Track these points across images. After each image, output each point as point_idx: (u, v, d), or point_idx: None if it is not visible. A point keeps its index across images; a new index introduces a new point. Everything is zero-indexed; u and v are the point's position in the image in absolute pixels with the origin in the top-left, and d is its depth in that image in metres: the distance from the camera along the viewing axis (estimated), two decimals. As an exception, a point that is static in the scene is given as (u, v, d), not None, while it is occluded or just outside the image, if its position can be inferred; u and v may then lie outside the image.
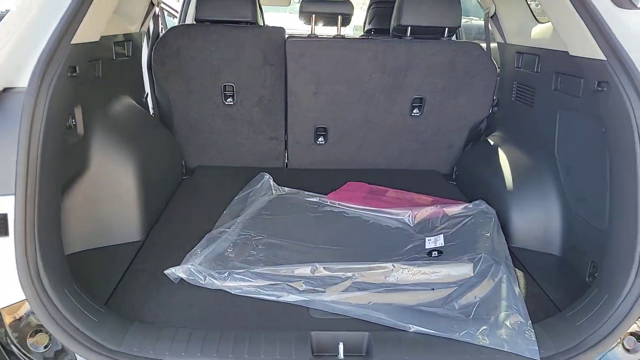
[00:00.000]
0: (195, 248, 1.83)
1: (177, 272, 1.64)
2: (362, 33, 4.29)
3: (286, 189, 2.48)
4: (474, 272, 1.67)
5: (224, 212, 2.18)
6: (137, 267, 1.78)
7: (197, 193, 2.48)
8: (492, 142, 2.61)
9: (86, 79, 1.86)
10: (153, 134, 2.39)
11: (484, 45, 2.68)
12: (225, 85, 2.64)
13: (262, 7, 4.02)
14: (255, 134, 2.79)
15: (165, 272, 1.66)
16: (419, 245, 1.90)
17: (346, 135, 2.78)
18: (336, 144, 2.82)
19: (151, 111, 2.81)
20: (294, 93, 2.62)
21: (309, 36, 2.58)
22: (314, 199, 2.30)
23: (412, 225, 2.08)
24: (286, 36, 2.58)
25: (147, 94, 2.71)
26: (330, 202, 2.27)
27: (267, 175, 2.46)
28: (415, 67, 2.54)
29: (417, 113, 2.70)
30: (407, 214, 2.12)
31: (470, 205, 2.13)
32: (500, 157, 2.38)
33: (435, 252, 1.82)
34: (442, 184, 2.74)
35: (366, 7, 4.29)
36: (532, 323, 1.46)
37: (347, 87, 2.60)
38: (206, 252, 1.79)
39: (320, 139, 2.80)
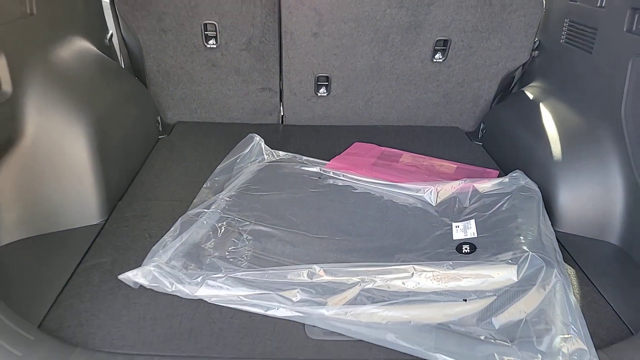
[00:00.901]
0: (164, 237, 1.46)
1: (135, 277, 1.27)
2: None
3: (281, 153, 2.07)
4: (518, 277, 1.29)
5: (204, 185, 1.79)
6: (91, 262, 1.41)
7: (174, 157, 2.07)
8: (530, 96, 2.15)
9: (9, 17, 1.40)
10: (116, 85, 1.94)
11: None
12: (205, 24, 2.15)
13: None
14: (245, 83, 2.34)
15: (120, 277, 1.29)
16: (444, 235, 1.51)
17: (353, 86, 2.32)
18: (341, 96, 2.36)
19: (119, 55, 2.34)
20: (290, 33, 2.13)
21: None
22: (313, 169, 1.89)
23: (434, 205, 1.68)
24: None
25: (111, 34, 2.23)
26: (333, 173, 1.86)
27: (257, 137, 2.03)
28: (441, 0, 2.04)
29: (439, 58, 2.23)
30: (429, 190, 1.71)
31: (506, 179, 1.72)
32: (542, 116, 1.94)
33: (467, 247, 1.43)
34: (466, 144, 2.32)
35: None
36: (596, 351, 1.11)
37: (355, 26, 2.11)
38: (177, 244, 1.41)
39: (322, 90, 2.34)
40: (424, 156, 2.13)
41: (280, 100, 2.42)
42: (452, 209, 1.64)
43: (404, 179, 1.87)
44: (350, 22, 2.09)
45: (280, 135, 2.35)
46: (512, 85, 2.42)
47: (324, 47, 2.18)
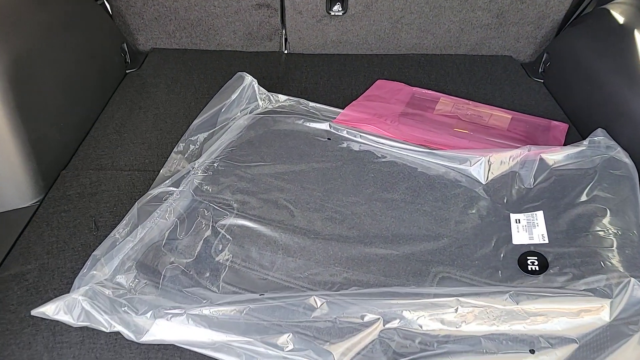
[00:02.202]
0: (113, 232, 1.07)
1: (56, 313, 0.89)
2: None
3: (280, 97, 1.58)
4: (611, 317, 0.88)
5: (175, 148, 1.35)
6: (9, 271, 1.03)
7: (143, 102, 1.61)
8: (619, 17, 1.57)
9: None
10: (51, 5, 1.43)
11: None
12: None
13: None
14: (235, -1, 1.79)
15: (34, 313, 0.91)
16: (499, 236, 1.07)
17: (378, 2, 1.76)
18: (361, 16, 1.81)
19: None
20: None
21: None
22: (322, 125, 1.41)
23: (483, 183, 1.22)
24: None
25: None
26: (347, 132, 1.39)
27: (248, 78, 1.54)
28: None
29: (496, -37, 1.63)
30: (477, 161, 1.24)
31: (585, 147, 1.23)
32: (639, 47, 1.39)
33: (534, 262, 1.00)
34: (522, 80, 1.78)
35: None
36: None
37: None
38: (128, 245, 1.02)
39: (335, 8, 1.78)
40: (467, 101, 1.63)
41: (282, 20, 1.87)
42: (510, 191, 1.18)
43: (441, 140, 1.40)
44: None
45: (282, 68, 1.84)
46: (587, 2, 1.82)
47: (339, -52, 1.59)
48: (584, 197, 1.09)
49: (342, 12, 1.79)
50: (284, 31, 1.91)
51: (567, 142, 1.46)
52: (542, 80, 1.79)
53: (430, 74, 1.82)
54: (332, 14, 1.79)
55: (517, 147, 1.34)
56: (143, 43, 1.92)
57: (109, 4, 1.82)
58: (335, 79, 1.78)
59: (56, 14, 1.41)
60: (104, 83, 1.60)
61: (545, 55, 1.80)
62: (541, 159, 1.21)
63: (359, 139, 1.35)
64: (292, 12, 1.80)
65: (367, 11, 1.79)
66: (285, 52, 1.96)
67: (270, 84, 1.73)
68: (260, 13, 1.83)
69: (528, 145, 1.24)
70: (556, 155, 1.21)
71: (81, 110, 1.43)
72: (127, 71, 1.78)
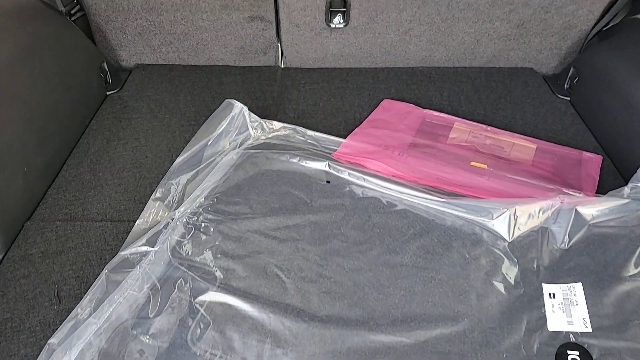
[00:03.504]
0: (76, 308, 0.91)
1: None
2: None
3: (275, 124, 1.41)
4: None
5: (152, 195, 1.19)
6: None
7: (122, 131, 1.44)
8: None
9: None
10: (12, 28, 1.25)
11: None
12: None
13: None
14: (225, 10, 1.61)
15: None
16: (530, 317, 0.90)
17: (383, 13, 1.57)
18: (364, 28, 1.62)
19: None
20: None
21: None
22: (320, 165, 1.23)
23: (508, 240, 1.04)
24: None
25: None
26: (349, 174, 1.21)
27: (238, 105, 1.37)
28: None
29: (518, -30, 1.43)
30: (501, 214, 1.06)
31: (628, 194, 1.06)
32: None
33: (575, 359, 0.83)
34: (546, 98, 1.60)
35: None
36: None
37: None
38: (92, 328, 0.87)
39: (336, 19, 1.60)
40: (484, 126, 1.45)
41: (278, 33, 1.69)
42: (540, 252, 1.01)
43: (456, 178, 1.22)
44: None
45: (277, 85, 1.67)
46: (616, 11, 1.61)
47: (339, -44, 1.40)
48: (632, 269, 0.92)
49: (344, 24, 1.60)
50: (279, 44, 1.73)
51: (601, 176, 1.28)
52: (569, 98, 1.60)
53: (442, 90, 1.64)
54: (333, 26, 1.61)
55: (545, 189, 1.18)
56: (126, 59, 1.75)
57: (88, 18, 1.65)
58: (336, 98, 1.61)
59: (22, 38, 1.24)
60: (79, 112, 1.44)
61: (572, 70, 1.60)
62: (577, 212, 1.03)
63: (363, 183, 1.18)
64: (289, 25, 1.62)
65: (372, 23, 1.60)
66: (282, 66, 1.78)
67: (265, 106, 1.57)
68: (254, 26, 1.65)
69: (560, 195, 1.06)
70: (594, 208, 1.03)
71: (51, 149, 1.27)
72: (107, 93, 1.62)
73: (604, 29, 1.65)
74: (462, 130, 1.43)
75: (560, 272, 0.95)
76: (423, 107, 1.54)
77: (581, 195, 1.15)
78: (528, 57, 1.70)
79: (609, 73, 1.43)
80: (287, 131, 1.40)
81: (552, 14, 1.55)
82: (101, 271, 0.99)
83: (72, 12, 1.66)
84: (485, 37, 1.63)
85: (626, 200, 1.03)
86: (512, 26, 1.60)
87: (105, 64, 1.61)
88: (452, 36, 1.64)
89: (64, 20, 1.49)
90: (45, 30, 1.36)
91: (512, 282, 0.95)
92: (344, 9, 1.57)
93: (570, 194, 1.14)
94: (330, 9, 1.57)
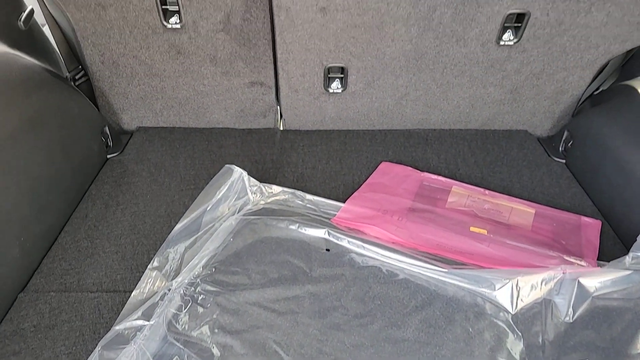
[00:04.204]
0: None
1: None
2: None
3: (274, 188, 1.42)
4: None
5: (150, 265, 1.17)
6: None
7: (122, 196, 1.45)
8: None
9: None
10: (19, 99, 1.28)
11: None
12: (162, -6, 1.45)
13: None
14: (225, 76, 1.65)
15: None
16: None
17: (380, 79, 1.62)
18: (362, 93, 1.66)
19: (51, 39, 1.66)
20: (285, 9, 1.41)
21: None
22: (319, 233, 1.23)
23: (512, 313, 1.02)
24: None
25: (30, 11, 1.53)
26: (348, 242, 1.20)
27: (237, 171, 1.38)
28: (523, -48, 1.28)
29: (510, 40, 1.49)
30: (501, 285, 1.05)
31: (630, 264, 1.05)
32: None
33: None
34: (542, 160, 1.62)
35: None
36: None
37: (383, -4, 1.37)
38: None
39: (334, 85, 1.64)
40: (482, 190, 1.46)
41: (277, 98, 1.73)
42: (545, 325, 0.99)
43: (456, 245, 1.22)
44: (377, -9, 1.36)
45: (277, 147, 1.69)
46: (605, 77, 1.67)
47: (337, 27, 1.46)
48: (639, 346, 0.90)
49: (342, 89, 1.65)
50: (278, 108, 1.77)
51: (601, 241, 1.28)
52: (564, 161, 1.62)
53: (439, 153, 1.66)
54: (331, 91, 1.65)
55: (546, 256, 1.18)
56: (128, 122, 1.78)
57: (92, 83, 1.69)
58: (335, 161, 1.62)
59: (27, 110, 1.26)
60: (80, 177, 1.45)
61: (566, 133, 1.64)
62: (579, 284, 1.02)
63: (363, 251, 1.17)
64: (288, 90, 1.66)
65: (369, 88, 1.64)
66: (281, 128, 1.81)
67: (264, 169, 1.58)
68: (254, 91, 1.69)
69: (561, 265, 1.06)
70: (596, 280, 1.02)
71: (49, 216, 1.26)
72: (108, 156, 1.63)
73: (595, 93, 1.70)
74: (460, 194, 1.44)
75: (566, 348, 0.93)
76: (421, 170, 1.56)
77: (583, 263, 1.15)
78: (522, 120, 1.74)
79: (603, 138, 1.46)
80: (286, 195, 1.41)
81: (543, 80, 1.60)
82: (95, 347, 0.96)
83: (77, 77, 1.70)
84: (479, 101, 1.68)
85: (628, 272, 1.02)
86: (505, 91, 1.64)
87: (107, 128, 1.63)
88: (447, 100, 1.68)
89: (68, 87, 1.53)
90: (50, 99, 1.39)
91: (518, 359, 0.92)
92: (342, 75, 1.61)
93: (571, 262, 1.14)
94: (329, 75, 1.61)
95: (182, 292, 1.07)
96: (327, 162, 1.62)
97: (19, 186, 1.15)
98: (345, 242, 1.20)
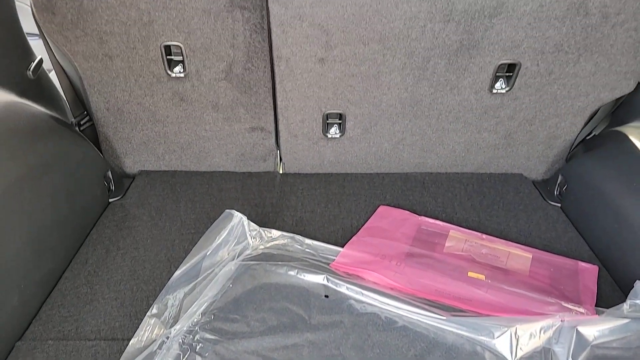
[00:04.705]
0: None
1: None
2: None
3: (274, 232, 1.44)
4: None
5: (148, 312, 1.17)
6: None
7: (123, 241, 1.46)
8: (637, 143, 1.46)
9: None
10: (25, 148, 1.31)
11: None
12: (168, 46, 1.51)
13: None
14: (227, 122, 1.70)
15: None
16: None
17: (377, 125, 1.66)
18: (359, 138, 1.71)
19: (58, 87, 1.72)
20: (285, 60, 1.47)
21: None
22: (318, 279, 1.24)
23: (512, 361, 1.03)
24: None
25: (39, 61, 1.59)
26: (347, 289, 1.21)
27: (237, 215, 1.40)
28: (511, 9, 1.34)
29: (502, 88, 1.54)
30: (500, 333, 1.05)
31: (628, 311, 1.05)
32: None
33: None
34: (538, 205, 1.64)
35: None
36: None
37: (380, 48, 1.43)
38: None
39: (333, 130, 1.69)
40: (480, 234, 1.48)
41: (277, 142, 1.77)
42: (543, 373, 0.99)
43: (455, 290, 1.22)
44: (373, 44, 1.42)
45: (276, 190, 1.72)
46: (596, 123, 1.72)
47: (335, 77, 1.51)
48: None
49: (340, 135, 1.69)
50: (278, 152, 1.81)
51: (598, 286, 1.29)
52: (559, 204, 1.65)
53: (437, 196, 1.69)
54: (329, 136, 1.69)
55: (545, 302, 1.18)
56: (130, 166, 1.81)
57: (96, 129, 1.73)
58: (334, 204, 1.65)
59: (32, 158, 1.30)
60: (81, 222, 1.46)
61: (560, 177, 1.67)
62: (578, 332, 1.02)
63: (362, 297, 1.18)
64: (287, 136, 1.70)
65: (366, 134, 1.69)
66: (280, 172, 1.84)
67: (264, 213, 1.60)
68: (254, 136, 1.73)
69: (560, 313, 1.06)
70: (595, 328, 1.03)
71: (50, 263, 1.27)
72: (110, 200, 1.65)
73: (587, 138, 1.74)
74: (457, 238, 1.46)
75: (567, 400, 0.93)
76: (418, 214, 1.58)
77: (581, 309, 1.15)
78: (517, 164, 1.77)
79: (596, 183, 1.49)
80: (286, 240, 1.42)
81: (536, 126, 1.64)
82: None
83: (82, 122, 1.75)
84: (474, 146, 1.72)
85: (626, 320, 1.02)
86: (499, 137, 1.68)
87: (109, 172, 1.66)
88: (443, 145, 1.72)
89: (73, 134, 1.57)
90: (55, 146, 1.43)
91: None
92: (340, 121, 1.66)
93: (570, 309, 1.14)
94: (327, 121, 1.66)
95: (180, 340, 1.07)
96: (326, 205, 1.64)
97: (21, 234, 1.17)
98: (344, 288, 1.20)
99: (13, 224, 1.15)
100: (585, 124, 1.66)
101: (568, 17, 1.36)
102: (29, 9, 1.44)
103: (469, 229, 1.51)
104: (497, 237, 1.47)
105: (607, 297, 1.26)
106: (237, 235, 1.39)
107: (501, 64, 1.48)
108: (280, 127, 1.68)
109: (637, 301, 1.06)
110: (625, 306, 1.06)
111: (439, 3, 1.32)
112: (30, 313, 1.19)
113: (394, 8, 1.33)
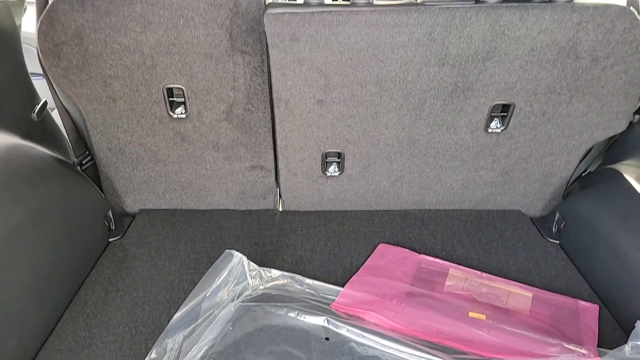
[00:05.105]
0: None
1: None
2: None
3: (274, 272, 1.44)
4: None
5: (147, 356, 1.16)
6: None
7: (122, 282, 1.46)
8: (631, 181, 1.48)
9: None
10: (27, 192, 1.32)
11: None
12: (170, 89, 1.55)
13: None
14: (227, 161, 1.72)
15: None
16: None
17: (375, 164, 1.69)
18: (358, 176, 1.73)
19: (62, 129, 1.75)
20: (285, 102, 1.51)
21: (306, 2, 1.42)
22: (318, 320, 1.24)
23: (515, 407, 1.01)
24: (267, 1, 1.45)
25: (43, 103, 1.63)
26: (348, 331, 1.21)
27: (237, 256, 1.41)
28: (503, 53, 1.39)
29: (497, 127, 1.57)
30: (503, 376, 1.05)
31: (629, 352, 1.05)
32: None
33: None
34: (536, 242, 1.65)
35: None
36: None
37: (377, 90, 1.47)
38: None
39: (332, 169, 1.71)
40: (479, 273, 1.48)
41: (277, 180, 1.79)
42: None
43: (455, 331, 1.22)
44: (370, 86, 1.46)
45: (276, 229, 1.72)
46: (590, 160, 1.75)
47: (333, 117, 1.55)
48: None
49: (339, 173, 1.71)
50: (278, 190, 1.83)
51: (599, 325, 1.28)
52: (558, 242, 1.66)
53: (435, 234, 1.70)
54: (328, 174, 1.72)
55: (546, 343, 1.17)
56: (131, 205, 1.82)
57: (98, 169, 1.75)
58: (333, 243, 1.65)
59: (34, 201, 1.31)
60: (81, 263, 1.46)
61: (557, 214, 1.68)
62: (579, 376, 1.02)
63: (362, 340, 1.17)
64: (287, 174, 1.72)
65: (365, 172, 1.71)
66: (280, 209, 1.86)
67: (264, 251, 1.60)
68: (254, 174, 1.75)
69: (562, 355, 1.06)
70: (597, 371, 1.02)
71: (49, 306, 1.27)
72: (110, 240, 1.66)
73: (583, 175, 1.76)
74: (457, 277, 1.46)
75: None
76: (418, 252, 1.58)
77: (583, 350, 1.14)
78: (514, 200, 1.79)
79: (593, 221, 1.50)
80: (286, 280, 1.42)
81: (532, 164, 1.67)
82: None
83: (84, 162, 1.77)
84: (472, 183, 1.74)
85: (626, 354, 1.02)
86: (496, 174, 1.71)
87: (110, 212, 1.67)
88: (441, 183, 1.74)
89: (75, 174, 1.58)
90: (57, 189, 1.44)
91: None
92: (339, 160, 1.68)
93: (571, 350, 1.14)
94: (326, 160, 1.68)
95: (179, 386, 1.06)
96: (325, 243, 1.65)
97: (21, 279, 1.17)
98: (344, 330, 1.20)
99: (13, 269, 1.15)
100: (580, 161, 1.69)
101: (559, 60, 1.40)
102: (34, 49, 1.48)
103: (469, 267, 1.51)
104: (497, 275, 1.47)
105: (608, 337, 1.26)
106: (237, 276, 1.39)
107: (495, 105, 1.51)
108: (280, 165, 1.70)
109: (639, 342, 1.06)
110: (627, 348, 1.06)
111: (434, 48, 1.37)
112: (29, 358, 1.17)
113: (390, 53, 1.38)
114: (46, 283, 1.26)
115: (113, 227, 1.69)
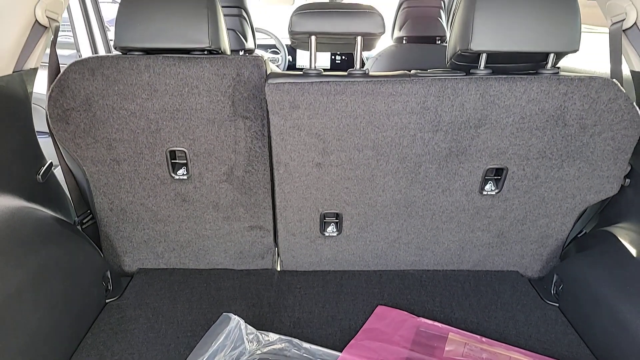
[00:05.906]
0: None
1: None
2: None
3: (271, 336, 1.42)
4: None
5: None
6: None
7: (117, 345, 1.43)
8: (626, 244, 1.50)
9: None
10: (29, 255, 1.34)
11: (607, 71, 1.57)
12: (173, 151, 1.59)
13: (253, 23, 2.89)
14: (227, 221, 1.74)
15: None
16: None
17: (373, 225, 1.71)
18: (356, 237, 1.74)
19: (66, 190, 1.78)
20: (285, 164, 1.55)
21: (305, 72, 1.49)
22: (316, 390, 1.22)
23: None
24: (268, 71, 1.52)
25: (49, 165, 1.67)
26: (346, 400, 1.19)
27: (235, 319, 1.40)
28: (494, 121, 1.45)
29: (492, 190, 1.61)
30: None
31: None
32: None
33: None
34: (535, 305, 1.64)
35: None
36: None
37: (373, 154, 1.52)
38: None
39: (330, 229, 1.73)
40: (479, 337, 1.46)
41: (275, 240, 1.81)
42: None
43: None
44: (367, 150, 1.50)
45: (274, 289, 1.72)
46: (585, 222, 1.78)
47: (332, 180, 1.58)
48: None
49: (337, 233, 1.73)
50: (276, 250, 1.84)
51: (602, 396, 1.26)
52: (557, 304, 1.65)
53: (434, 295, 1.69)
54: (327, 235, 1.73)
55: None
56: (129, 264, 1.82)
57: (98, 228, 1.77)
58: (332, 304, 1.64)
59: (33, 265, 1.31)
60: (77, 326, 1.45)
61: (555, 276, 1.69)
62: None
63: (360, 410, 1.15)
64: (285, 234, 1.74)
65: (362, 232, 1.73)
66: (278, 269, 1.86)
67: (261, 313, 1.59)
68: (253, 234, 1.77)
69: None
70: None
71: (40, 371, 1.25)
72: (107, 301, 1.65)
73: (579, 236, 1.78)
74: (457, 341, 1.44)
75: None
76: (417, 314, 1.57)
77: (586, 422, 1.12)
78: (512, 261, 1.80)
79: (591, 285, 1.50)
80: (283, 344, 1.41)
81: (527, 225, 1.69)
82: None
83: (84, 221, 1.79)
84: (469, 244, 1.75)
85: None
86: (492, 235, 1.72)
87: (108, 272, 1.67)
88: (438, 244, 1.75)
89: (76, 235, 1.60)
90: (57, 250, 1.45)
91: None
92: (337, 220, 1.71)
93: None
94: (324, 220, 1.71)
95: None
96: (323, 305, 1.64)
97: (16, 345, 1.16)
98: (342, 399, 1.17)
99: (8, 335, 1.14)
100: (575, 223, 1.71)
101: (548, 127, 1.46)
102: (41, 109, 1.54)
103: (468, 330, 1.50)
104: (496, 339, 1.46)
105: (613, 407, 1.23)
106: (234, 340, 1.37)
107: (489, 168, 1.56)
108: (279, 226, 1.72)
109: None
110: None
111: (427, 116, 1.43)
112: None
113: (385, 120, 1.44)
114: (41, 347, 1.25)
115: (111, 288, 1.68)
